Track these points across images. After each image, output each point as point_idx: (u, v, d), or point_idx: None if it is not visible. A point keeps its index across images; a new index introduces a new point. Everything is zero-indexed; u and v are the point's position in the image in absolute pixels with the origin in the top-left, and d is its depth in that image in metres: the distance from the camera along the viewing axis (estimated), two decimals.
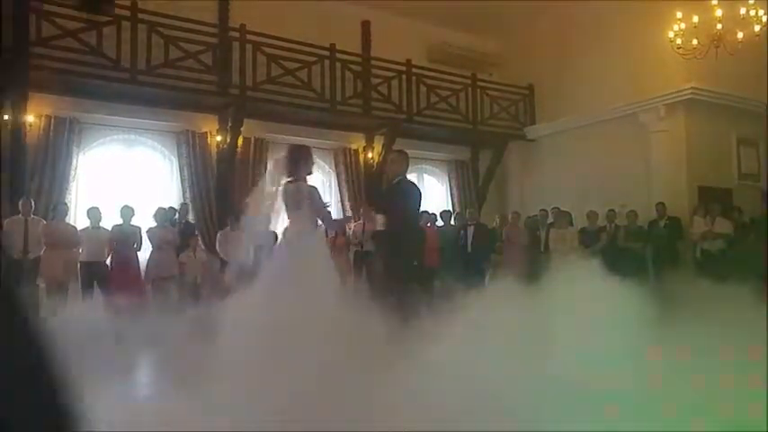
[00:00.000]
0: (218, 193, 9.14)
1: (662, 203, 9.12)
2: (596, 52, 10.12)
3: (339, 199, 10.14)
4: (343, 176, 10.11)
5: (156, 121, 8.90)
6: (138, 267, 7.83)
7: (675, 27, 8.86)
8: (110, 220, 7.71)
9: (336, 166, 10.19)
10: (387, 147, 9.91)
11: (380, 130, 10.20)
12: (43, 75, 7.80)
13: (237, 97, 8.96)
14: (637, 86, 9.65)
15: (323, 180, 10.40)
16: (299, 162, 4.27)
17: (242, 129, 9.13)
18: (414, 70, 10.44)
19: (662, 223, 9.08)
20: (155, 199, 8.63)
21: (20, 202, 7.24)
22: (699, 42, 8.67)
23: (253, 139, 9.41)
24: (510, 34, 11.33)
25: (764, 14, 8.49)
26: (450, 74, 10.86)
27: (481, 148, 11.53)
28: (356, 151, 10.34)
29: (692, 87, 9.33)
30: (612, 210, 9.35)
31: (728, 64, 8.86)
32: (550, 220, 9.50)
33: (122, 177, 8.84)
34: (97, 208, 7.66)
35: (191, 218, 8.87)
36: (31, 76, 7.79)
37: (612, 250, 8.93)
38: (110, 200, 8.14)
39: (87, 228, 7.57)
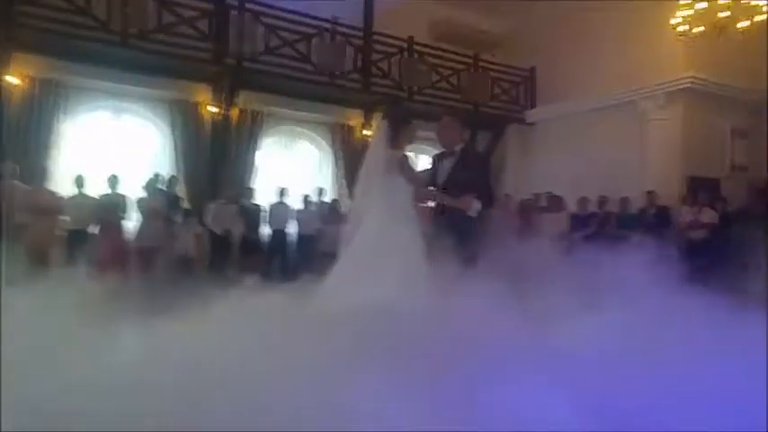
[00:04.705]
0: (212, 166, 8.90)
1: (652, 191, 9.18)
2: (599, 37, 10.03)
3: (335, 175, 9.99)
4: (340, 153, 9.93)
5: (149, 89, 8.59)
6: (124, 237, 7.66)
7: (679, 13, 8.83)
8: (97, 189, 7.53)
9: (333, 142, 10.00)
10: None
11: (379, 107, 9.98)
12: (28, 34, 7.42)
13: (234, 67, 8.67)
14: (638, 73, 9.60)
15: (320, 155, 10.24)
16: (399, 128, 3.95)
17: (237, 100, 8.88)
18: (415, 47, 10.22)
19: (651, 211, 9.14)
20: (145, 169, 8.41)
21: (2, 167, 6.96)
22: (702, 29, 8.66)
23: (249, 111, 9.15)
24: (514, 15, 11.15)
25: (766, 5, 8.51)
26: (453, 52, 10.65)
27: (480, 129, 11.41)
28: (354, 128, 10.13)
29: (691, 76, 9.33)
30: (604, 196, 9.38)
31: (727, 54, 8.89)
32: (543, 203, 9.50)
33: (111, 145, 8.56)
34: (82, 176, 7.50)
35: (181, 190, 8.64)
36: (16, 35, 7.41)
37: (603, 236, 8.99)
38: (97, 168, 7.94)
39: (72, 195, 7.42)
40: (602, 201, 9.44)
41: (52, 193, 7.33)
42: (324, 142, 10.10)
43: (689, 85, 9.39)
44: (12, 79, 7.57)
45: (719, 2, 8.51)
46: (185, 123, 8.77)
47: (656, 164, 9.69)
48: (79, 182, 7.41)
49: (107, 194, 7.50)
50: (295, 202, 9.28)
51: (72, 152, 8.30)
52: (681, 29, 8.81)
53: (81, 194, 7.38)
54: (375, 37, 9.92)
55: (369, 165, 3.96)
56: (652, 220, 9.00)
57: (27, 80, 7.74)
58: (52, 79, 7.88)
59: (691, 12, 8.71)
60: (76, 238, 7.23)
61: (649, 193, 9.17)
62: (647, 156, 9.79)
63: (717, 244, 8.38)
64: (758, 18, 8.51)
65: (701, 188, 9.13)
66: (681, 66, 9.38)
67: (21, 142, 7.68)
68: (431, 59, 10.34)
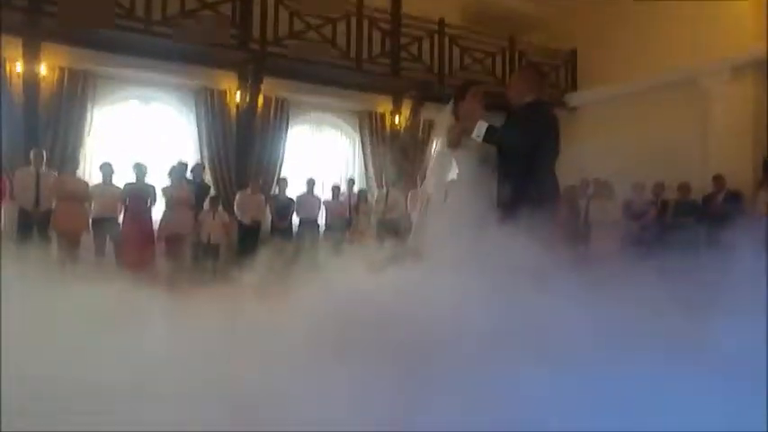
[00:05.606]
0: (237, 154, 8.77)
1: (720, 176, 8.20)
2: (649, 10, 9.14)
3: (363, 164, 9.63)
4: (367, 140, 9.56)
5: (175, 77, 8.54)
6: (151, 224, 7.62)
7: None
8: (124, 177, 7.51)
9: (361, 129, 9.64)
10: (415, 110, 9.28)
11: (409, 93, 9.55)
12: (55, 23, 7.56)
13: (258, 52, 8.51)
14: (697, 47, 8.64)
15: (347, 144, 9.91)
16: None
17: (262, 87, 8.71)
18: (447, 30, 9.72)
19: (720, 198, 8.14)
20: (171, 157, 8.36)
21: (31, 153, 7.08)
22: None
23: (274, 98, 8.97)
24: None
25: None
26: (487, 34, 10.07)
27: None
28: (382, 115, 9.73)
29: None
30: (660, 182, 8.47)
31: None
32: (591, 191, 8.71)
33: (138, 134, 8.61)
34: (109, 164, 7.50)
35: (207, 178, 8.56)
36: (43, 24, 7.56)
37: (660, 225, 8.12)
38: (124, 156, 7.95)
39: (99, 183, 7.45)
40: (658, 187, 8.56)
41: (79, 180, 7.44)
42: (351, 130, 9.75)
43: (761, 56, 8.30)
44: (41, 69, 7.73)
45: None
46: (211, 111, 8.68)
47: (721, 146, 8.65)
48: (105, 170, 7.41)
49: (133, 183, 7.46)
50: (323, 192, 9.03)
51: (101, 140, 8.38)
52: None
53: (107, 182, 7.38)
54: (404, 20, 9.49)
55: (437, 143, 3.76)
56: (721, 208, 8.01)
57: (56, 70, 7.87)
58: (80, 69, 7.98)
59: None
60: (102, 226, 7.26)
61: (717, 177, 8.21)
62: (710, 138, 8.77)
63: None
64: None
65: None
66: (751, 35, 8.32)
67: (50, 131, 7.81)
68: (463, 42, 9.80)
